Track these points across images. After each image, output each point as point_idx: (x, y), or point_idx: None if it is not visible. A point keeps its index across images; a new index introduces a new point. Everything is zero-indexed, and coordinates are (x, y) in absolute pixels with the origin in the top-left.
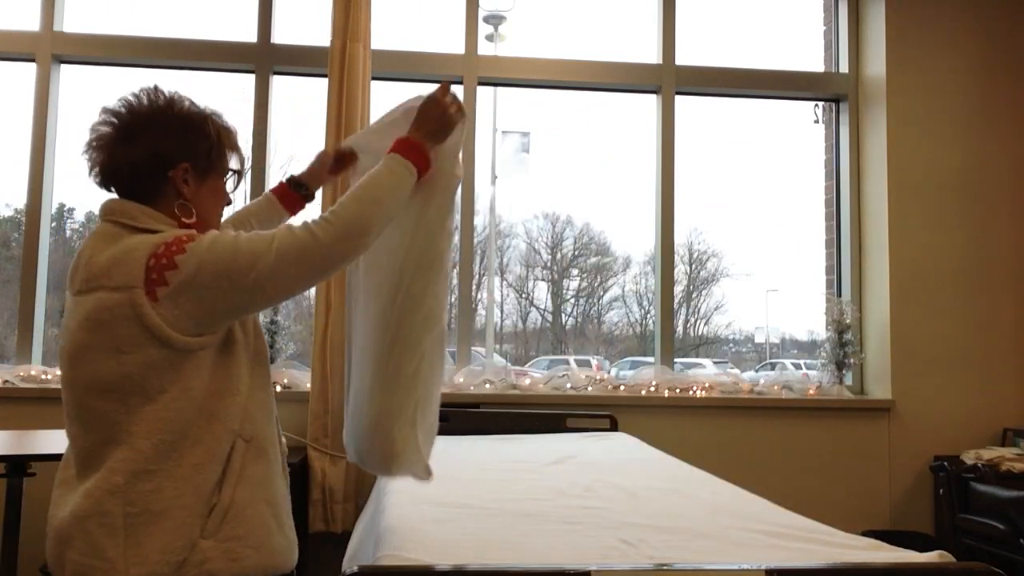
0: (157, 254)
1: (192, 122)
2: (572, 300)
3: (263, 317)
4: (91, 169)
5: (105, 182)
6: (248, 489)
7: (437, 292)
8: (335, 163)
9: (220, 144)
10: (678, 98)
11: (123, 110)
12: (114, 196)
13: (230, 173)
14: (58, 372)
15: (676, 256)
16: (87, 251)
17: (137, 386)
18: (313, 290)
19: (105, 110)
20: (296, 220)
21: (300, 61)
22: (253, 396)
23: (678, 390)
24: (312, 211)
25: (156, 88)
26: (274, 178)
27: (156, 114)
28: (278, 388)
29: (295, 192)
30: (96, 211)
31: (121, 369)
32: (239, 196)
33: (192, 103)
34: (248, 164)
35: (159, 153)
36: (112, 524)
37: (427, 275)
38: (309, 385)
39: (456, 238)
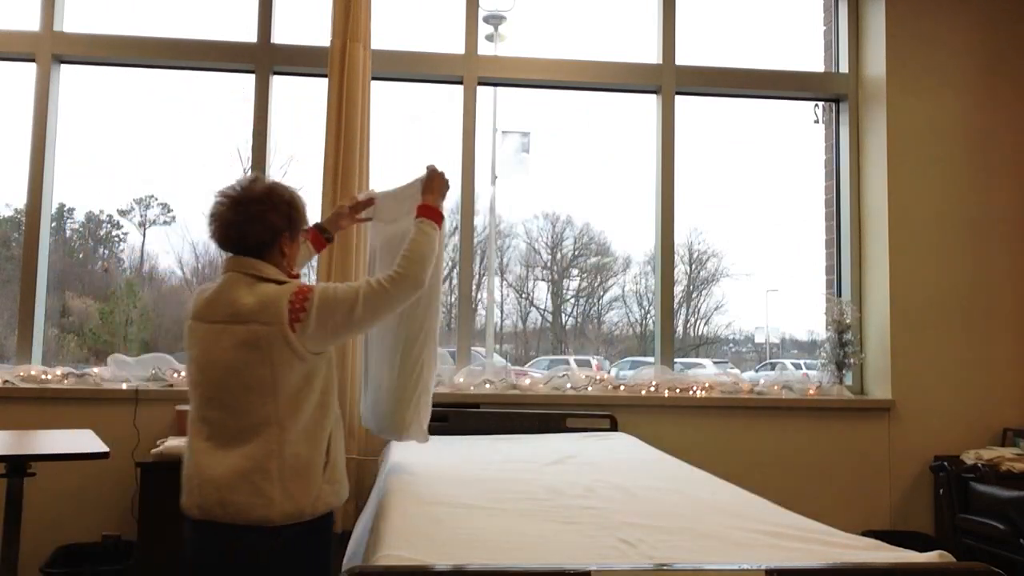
0: (292, 301)
1: (291, 203)
2: (572, 300)
3: None
4: (214, 236)
5: (225, 246)
6: (335, 449)
7: (431, 317)
8: (351, 212)
9: (304, 213)
10: (678, 98)
11: (239, 194)
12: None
13: (304, 232)
14: (58, 372)
15: (676, 256)
16: (228, 293)
17: (283, 387)
18: None
19: (222, 193)
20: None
21: (300, 61)
22: (336, 396)
23: (678, 390)
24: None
25: (257, 176)
26: (274, 178)
27: (266, 199)
28: None
29: (321, 235)
30: (95, 212)
31: (274, 376)
32: None
33: (282, 186)
34: (248, 165)
35: (273, 228)
36: (270, 476)
37: (426, 308)
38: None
39: (456, 238)
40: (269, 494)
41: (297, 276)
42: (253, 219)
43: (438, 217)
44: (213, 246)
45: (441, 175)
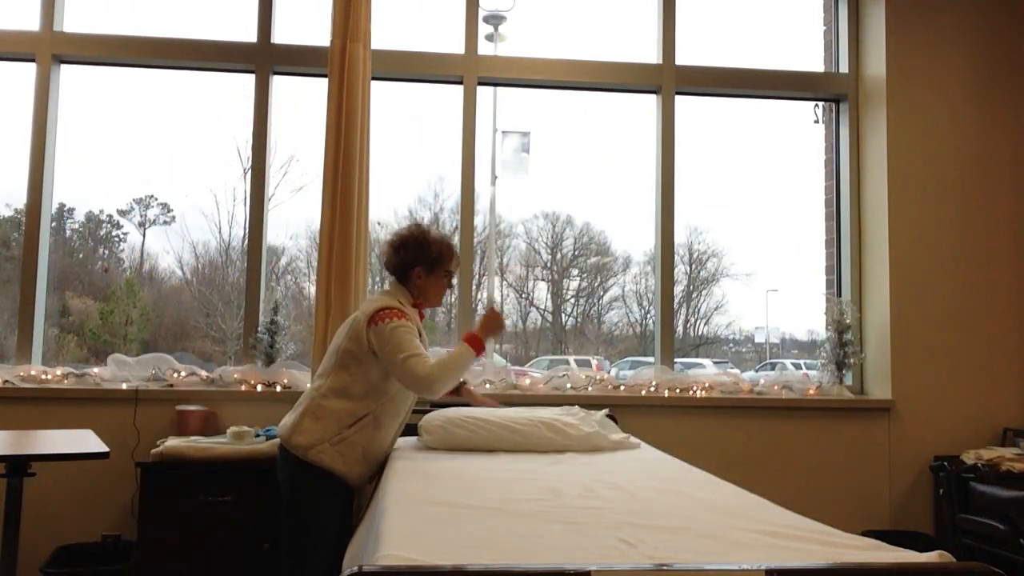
0: (381, 310)
1: (425, 243)
2: (572, 300)
3: (264, 317)
4: (383, 262)
5: (386, 270)
6: (359, 436)
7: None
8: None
9: (440, 256)
10: (678, 98)
11: (391, 235)
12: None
13: (446, 273)
14: (58, 372)
15: (676, 256)
16: (371, 294)
17: (347, 359)
18: (313, 290)
19: (396, 230)
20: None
21: (300, 61)
22: (387, 404)
23: (678, 390)
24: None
25: (416, 223)
26: (274, 178)
27: (408, 239)
28: (278, 388)
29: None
30: (95, 212)
31: (349, 348)
32: None
33: (423, 233)
34: (248, 165)
35: (405, 261)
36: (295, 411)
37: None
38: (309, 385)
39: (456, 238)
40: (286, 422)
41: (418, 306)
42: (388, 253)
43: (480, 348)
44: (213, 246)
45: (499, 320)
